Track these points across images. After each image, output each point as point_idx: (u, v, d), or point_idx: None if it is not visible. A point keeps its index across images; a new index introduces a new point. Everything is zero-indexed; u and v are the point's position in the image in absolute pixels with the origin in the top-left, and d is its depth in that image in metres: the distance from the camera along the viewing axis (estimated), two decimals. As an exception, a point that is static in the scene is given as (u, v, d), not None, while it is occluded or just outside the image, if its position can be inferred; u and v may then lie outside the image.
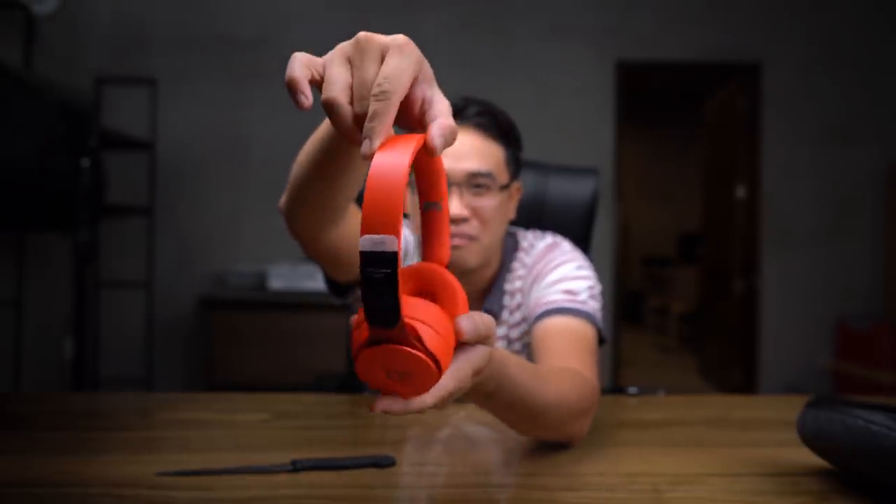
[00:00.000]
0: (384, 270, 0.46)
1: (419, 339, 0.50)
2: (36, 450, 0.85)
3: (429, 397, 0.54)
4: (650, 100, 7.83)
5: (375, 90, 0.49)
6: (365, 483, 0.74)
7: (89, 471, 0.76)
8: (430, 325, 0.51)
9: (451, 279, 0.58)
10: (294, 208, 0.85)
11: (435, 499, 0.71)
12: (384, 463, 0.77)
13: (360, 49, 0.51)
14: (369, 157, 0.48)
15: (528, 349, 1.16)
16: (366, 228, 0.46)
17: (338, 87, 0.50)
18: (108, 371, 3.82)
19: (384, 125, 0.48)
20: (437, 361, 0.51)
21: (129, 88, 3.90)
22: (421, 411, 0.55)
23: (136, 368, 3.89)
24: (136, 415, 1.06)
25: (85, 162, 2.57)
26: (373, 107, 0.48)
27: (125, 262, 3.91)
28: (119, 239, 3.91)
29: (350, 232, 0.94)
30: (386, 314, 0.48)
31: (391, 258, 0.45)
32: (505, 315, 1.18)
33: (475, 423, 1.03)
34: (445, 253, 0.61)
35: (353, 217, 0.95)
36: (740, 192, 4.38)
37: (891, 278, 3.98)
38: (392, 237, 0.45)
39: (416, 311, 0.52)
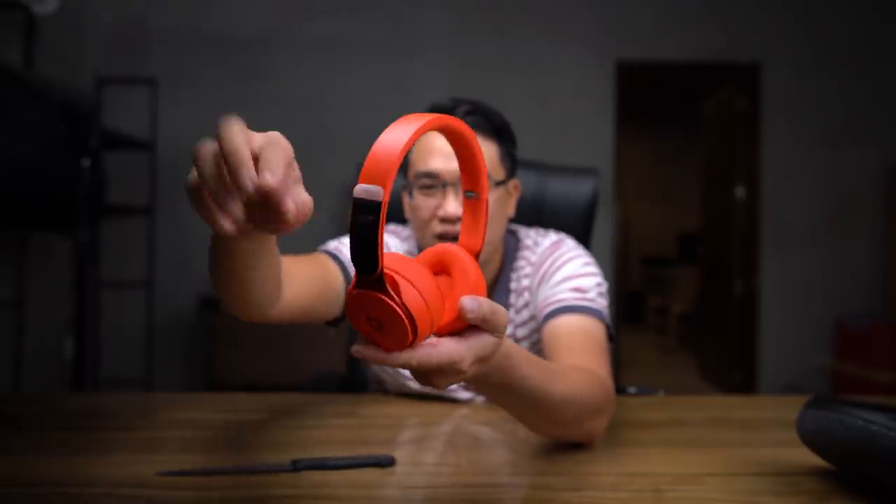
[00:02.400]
0: (369, 217, 0.50)
1: (397, 291, 0.53)
2: (36, 450, 0.85)
3: (414, 357, 0.54)
4: (650, 100, 7.83)
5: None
6: (365, 483, 0.74)
7: (90, 471, 0.76)
8: (412, 283, 0.54)
9: (466, 260, 0.61)
10: (230, 302, 0.83)
11: (435, 498, 0.71)
12: (384, 462, 0.78)
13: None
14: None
15: (535, 348, 1.16)
16: (362, 179, 0.50)
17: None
18: (108, 371, 3.82)
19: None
20: (411, 317, 0.53)
21: (130, 88, 3.90)
22: (403, 367, 0.55)
23: (137, 368, 3.89)
24: (137, 415, 1.06)
25: (85, 162, 2.57)
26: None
27: (126, 263, 3.91)
28: (120, 239, 3.91)
29: (299, 293, 0.93)
30: (367, 258, 0.51)
31: (376, 207, 0.50)
32: (511, 314, 1.17)
33: (475, 423, 1.03)
34: (476, 240, 0.64)
35: (297, 277, 0.94)
36: (739, 192, 4.38)
37: (890, 278, 3.98)
38: (381, 189, 0.50)
39: (403, 269, 0.54)
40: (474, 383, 0.65)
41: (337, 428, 0.99)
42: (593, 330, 1.01)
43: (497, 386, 0.67)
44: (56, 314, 3.56)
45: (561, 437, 0.85)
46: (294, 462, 0.76)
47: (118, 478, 0.74)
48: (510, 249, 1.20)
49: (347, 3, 4.01)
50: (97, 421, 1.02)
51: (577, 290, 1.06)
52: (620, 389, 1.35)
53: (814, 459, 0.78)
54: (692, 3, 4.07)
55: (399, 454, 0.82)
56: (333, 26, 4.00)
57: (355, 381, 1.52)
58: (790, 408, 0.86)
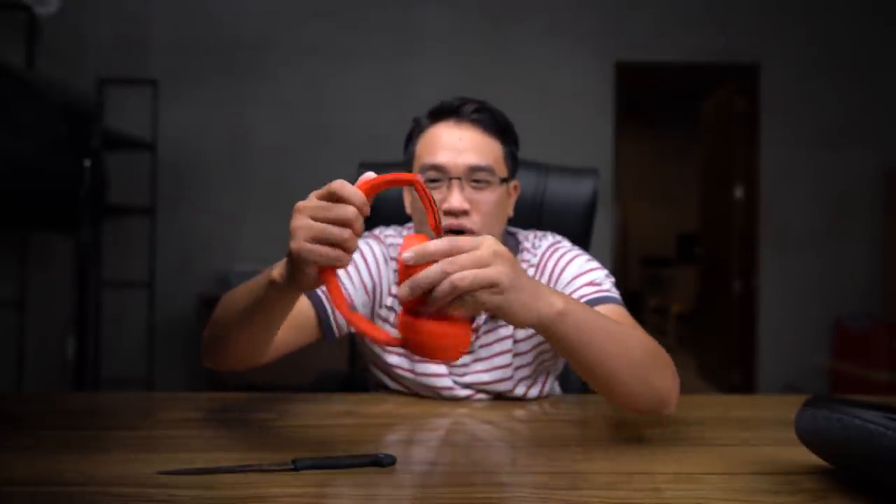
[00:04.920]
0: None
1: None
2: (38, 449, 0.85)
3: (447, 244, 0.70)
4: (649, 100, 7.83)
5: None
6: (366, 482, 0.74)
7: (91, 470, 0.77)
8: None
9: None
10: (230, 358, 0.99)
11: (435, 497, 0.71)
12: (385, 462, 0.78)
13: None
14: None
15: (541, 348, 1.18)
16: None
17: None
18: (109, 371, 3.82)
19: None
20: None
21: (131, 89, 3.91)
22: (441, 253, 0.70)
23: (138, 368, 3.89)
24: (138, 414, 1.07)
25: (87, 162, 2.57)
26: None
27: (127, 263, 3.91)
28: (121, 239, 3.91)
29: (280, 335, 1.02)
30: None
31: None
32: None
33: (475, 422, 1.03)
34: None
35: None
36: (738, 192, 4.39)
37: (888, 278, 3.99)
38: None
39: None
40: (534, 313, 0.75)
41: (338, 427, 0.99)
42: (621, 316, 1.03)
43: (559, 321, 0.78)
44: (57, 314, 3.56)
45: (638, 389, 0.88)
46: (295, 461, 0.77)
47: (119, 477, 0.74)
48: (510, 245, 1.21)
49: (347, 4, 4.02)
50: (98, 420, 1.02)
51: (591, 284, 1.09)
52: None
53: (812, 459, 0.78)
54: (691, 5, 4.08)
55: (400, 453, 0.82)
56: (333, 26, 4.00)
57: (356, 381, 1.52)
58: (789, 407, 0.87)
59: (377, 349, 1.22)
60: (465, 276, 0.67)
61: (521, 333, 1.17)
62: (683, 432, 0.98)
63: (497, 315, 0.73)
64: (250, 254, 3.89)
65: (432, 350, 0.72)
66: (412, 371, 1.17)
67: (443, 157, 1.07)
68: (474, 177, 1.08)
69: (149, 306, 3.90)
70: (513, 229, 1.26)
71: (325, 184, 0.71)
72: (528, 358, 1.17)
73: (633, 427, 1.00)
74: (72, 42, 3.80)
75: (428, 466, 0.83)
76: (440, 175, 1.08)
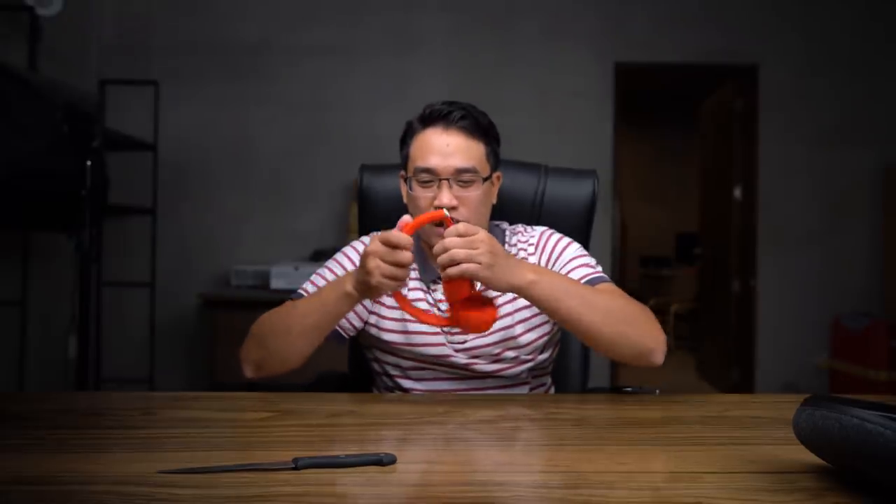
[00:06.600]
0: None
1: None
2: (39, 448, 0.86)
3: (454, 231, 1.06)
4: (648, 101, 7.82)
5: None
6: (366, 481, 0.75)
7: (92, 469, 0.77)
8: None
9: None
10: (288, 363, 1.22)
11: (435, 496, 0.71)
12: (385, 461, 0.78)
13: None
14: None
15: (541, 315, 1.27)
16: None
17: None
18: (111, 370, 3.83)
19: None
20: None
21: (132, 90, 3.91)
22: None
23: (139, 368, 3.89)
24: (139, 413, 1.07)
25: (88, 162, 2.57)
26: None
27: (128, 262, 3.92)
28: (122, 239, 3.91)
29: None
30: None
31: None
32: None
33: (476, 422, 1.04)
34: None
35: None
36: (737, 192, 4.39)
37: (887, 278, 3.99)
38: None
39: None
40: (514, 278, 1.07)
41: (338, 426, 0.99)
42: (615, 290, 1.22)
43: (539, 285, 1.07)
44: (59, 314, 3.56)
45: (615, 340, 1.12)
46: (296, 460, 0.77)
47: (120, 476, 0.74)
48: (497, 234, 1.34)
49: (347, 5, 4.02)
50: (99, 419, 1.02)
51: (587, 265, 1.27)
52: (617, 389, 1.37)
53: (811, 457, 0.78)
54: (691, 5, 4.08)
55: (400, 452, 0.83)
56: (333, 27, 4.00)
57: (356, 381, 1.53)
58: (787, 406, 0.87)
59: (374, 331, 1.30)
60: (459, 253, 1.02)
61: (522, 301, 1.25)
62: (683, 432, 0.99)
63: (483, 284, 1.05)
64: (251, 254, 3.90)
65: (468, 326, 1.09)
66: (409, 344, 1.27)
67: (433, 161, 1.22)
68: (460, 178, 1.22)
69: (150, 306, 3.90)
70: (497, 222, 1.38)
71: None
72: (535, 322, 1.28)
73: (632, 427, 1.00)
74: (74, 43, 3.80)
75: (428, 466, 0.83)
76: (432, 177, 1.22)
